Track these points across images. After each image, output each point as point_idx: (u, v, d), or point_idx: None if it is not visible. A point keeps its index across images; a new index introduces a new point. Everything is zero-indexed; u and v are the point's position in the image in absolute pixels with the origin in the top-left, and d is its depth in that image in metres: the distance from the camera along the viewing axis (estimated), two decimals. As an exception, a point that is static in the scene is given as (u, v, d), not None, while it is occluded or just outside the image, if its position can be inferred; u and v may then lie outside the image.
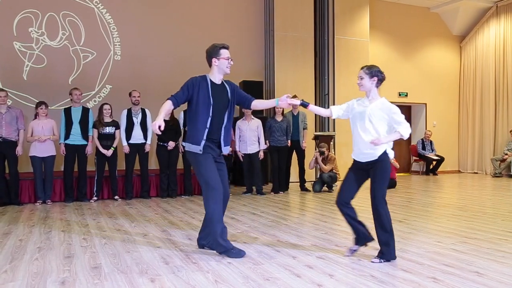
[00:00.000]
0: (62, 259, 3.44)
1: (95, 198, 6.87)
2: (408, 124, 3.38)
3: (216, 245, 3.49)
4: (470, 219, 5.15)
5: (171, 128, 7.12)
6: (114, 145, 6.82)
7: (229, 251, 3.45)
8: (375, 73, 3.43)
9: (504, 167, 10.77)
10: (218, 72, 3.62)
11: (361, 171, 3.48)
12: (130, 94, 7.03)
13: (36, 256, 3.54)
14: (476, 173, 11.88)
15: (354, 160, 3.51)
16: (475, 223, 4.87)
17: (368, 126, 3.36)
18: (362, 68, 3.47)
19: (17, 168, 6.41)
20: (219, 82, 3.66)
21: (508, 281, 2.85)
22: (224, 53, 3.59)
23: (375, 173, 3.37)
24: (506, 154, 10.75)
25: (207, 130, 3.53)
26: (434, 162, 11.37)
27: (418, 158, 11.71)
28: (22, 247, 3.84)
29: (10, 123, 6.34)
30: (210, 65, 3.67)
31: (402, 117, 3.38)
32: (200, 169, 3.54)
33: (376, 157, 3.34)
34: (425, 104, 12.06)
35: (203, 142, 3.52)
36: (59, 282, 2.87)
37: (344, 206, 3.51)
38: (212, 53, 3.61)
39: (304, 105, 3.59)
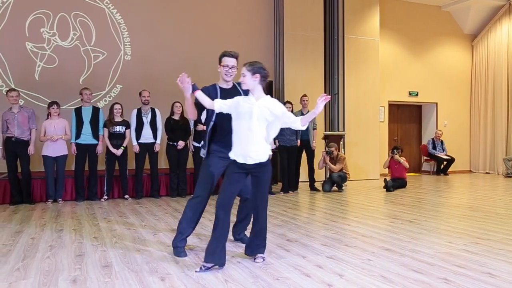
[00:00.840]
0: (74, 258, 3.48)
1: (106, 197, 6.93)
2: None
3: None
4: (482, 219, 5.11)
5: (181, 127, 7.16)
6: (124, 145, 6.87)
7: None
8: (257, 70, 3.22)
9: None
10: (221, 78, 3.62)
11: (242, 174, 3.27)
12: (140, 94, 7.08)
13: (48, 254, 3.60)
14: (488, 173, 11.76)
15: (235, 161, 3.24)
16: (487, 224, 4.84)
17: (256, 125, 3.16)
18: (244, 65, 3.27)
19: (29, 167, 6.49)
20: (229, 87, 3.65)
21: (522, 283, 2.82)
22: (224, 60, 3.58)
23: (262, 178, 3.24)
24: None
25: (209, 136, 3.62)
26: (445, 162, 11.27)
27: (428, 158, 11.61)
28: (34, 245, 3.90)
29: (23, 122, 6.41)
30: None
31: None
32: None
33: (265, 160, 3.20)
34: (436, 103, 11.95)
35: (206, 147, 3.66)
36: (71, 280, 2.91)
37: (228, 210, 3.26)
38: (219, 59, 3.63)
39: (194, 88, 3.36)
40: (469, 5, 11.44)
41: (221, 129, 3.50)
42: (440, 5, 11.78)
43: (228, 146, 3.30)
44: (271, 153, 3.29)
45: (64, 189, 6.80)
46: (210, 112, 3.50)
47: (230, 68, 3.56)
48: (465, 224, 4.86)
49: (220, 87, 3.62)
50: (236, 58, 3.62)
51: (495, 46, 11.68)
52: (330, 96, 3.33)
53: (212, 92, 3.54)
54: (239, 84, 3.66)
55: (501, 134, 11.49)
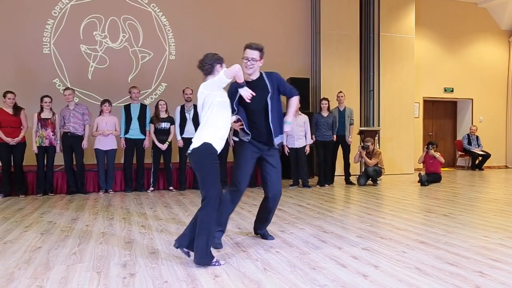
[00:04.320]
0: (123, 244, 3.69)
1: (152, 188, 7.25)
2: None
3: None
4: (518, 214, 5.03)
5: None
6: (169, 140, 7.16)
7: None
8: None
9: None
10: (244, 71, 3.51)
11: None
12: (183, 91, 7.36)
13: (101, 240, 3.83)
14: None
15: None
16: (523, 219, 4.77)
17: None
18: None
19: (83, 160, 6.92)
20: (255, 78, 3.60)
21: (559, 277, 2.79)
22: (244, 52, 3.55)
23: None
24: None
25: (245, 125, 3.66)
26: (480, 158, 11.15)
27: (463, 153, 11.54)
28: (88, 232, 4.17)
29: (77, 119, 6.84)
30: None
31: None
32: None
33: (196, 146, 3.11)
34: (471, 99, 11.83)
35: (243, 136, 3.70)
36: (121, 265, 3.09)
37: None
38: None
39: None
40: (507, 1, 11.25)
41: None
42: (476, 2, 11.62)
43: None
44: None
45: (114, 181, 7.17)
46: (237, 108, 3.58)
47: (249, 60, 3.49)
48: (501, 218, 4.79)
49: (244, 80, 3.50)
50: (259, 50, 3.51)
51: None
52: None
53: (234, 89, 3.52)
54: (269, 74, 3.64)
55: None
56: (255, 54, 3.51)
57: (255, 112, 3.57)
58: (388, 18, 9.97)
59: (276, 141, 3.62)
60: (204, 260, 3.04)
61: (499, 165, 11.95)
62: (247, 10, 9.37)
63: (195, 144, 3.10)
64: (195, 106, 7.40)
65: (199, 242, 3.01)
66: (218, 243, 3.52)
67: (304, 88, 8.88)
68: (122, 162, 7.31)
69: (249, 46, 3.53)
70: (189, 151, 3.14)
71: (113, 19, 8.59)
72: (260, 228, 3.93)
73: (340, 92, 7.99)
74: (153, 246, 3.61)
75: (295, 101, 3.76)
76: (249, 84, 3.47)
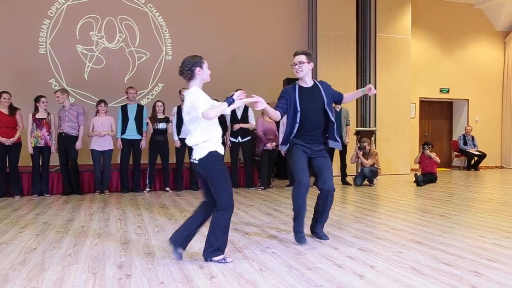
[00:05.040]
0: (119, 245, 3.68)
1: (148, 189, 7.25)
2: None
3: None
4: (513, 214, 5.06)
5: (219, 123, 7.37)
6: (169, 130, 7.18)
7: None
8: None
9: None
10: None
11: None
12: (180, 92, 7.35)
13: (96, 241, 3.82)
14: None
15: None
16: (518, 219, 4.80)
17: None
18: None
19: (76, 160, 6.89)
20: (308, 85, 3.84)
21: (554, 277, 2.81)
22: (293, 59, 3.80)
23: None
24: None
25: (294, 131, 3.85)
26: (476, 158, 11.23)
27: (459, 154, 11.62)
28: (84, 233, 4.16)
29: (72, 119, 6.82)
30: None
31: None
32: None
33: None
34: (467, 100, 11.92)
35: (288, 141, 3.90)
36: (117, 266, 3.08)
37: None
38: None
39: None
40: (503, 2, 11.33)
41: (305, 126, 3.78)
42: (472, 3, 11.70)
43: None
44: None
45: (110, 181, 7.17)
46: (293, 112, 3.77)
47: (297, 64, 3.75)
48: (497, 218, 4.82)
49: (299, 86, 3.84)
50: (305, 54, 3.78)
51: None
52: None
53: (290, 90, 3.81)
54: (321, 82, 3.91)
55: None
56: (302, 57, 3.76)
57: (311, 117, 3.76)
58: (385, 19, 10.02)
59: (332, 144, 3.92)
60: (212, 255, 3.16)
61: (494, 165, 12.04)
62: (244, 11, 9.38)
63: (200, 153, 3.12)
64: (191, 107, 7.40)
65: (212, 239, 3.15)
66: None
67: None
68: (118, 162, 7.29)
69: (295, 53, 3.81)
70: (194, 161, 3.16)
71: (109, 19, 8.58)
72: (315, 227, 3.99)
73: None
74: (149, 247, 3.61)
75: (349, 95, 4.11)
76: (304, 90, 3.81)
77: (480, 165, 11.25)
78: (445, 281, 2.73)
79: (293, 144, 3.82)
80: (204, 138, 3.12)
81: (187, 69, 3.17)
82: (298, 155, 3.78)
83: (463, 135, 11.42)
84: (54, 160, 6.97)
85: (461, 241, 3.75)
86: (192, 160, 3.21)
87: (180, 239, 3.22)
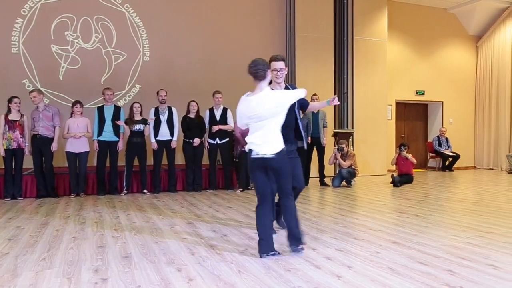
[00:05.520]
0: (95, 249, 3.61)
1: (125, 191, 7.16)
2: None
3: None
4: (486, 214, 5.19)
5: (196, 125, 7.36)
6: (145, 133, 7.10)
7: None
8: None
9: None
10: (274, 81, 3.86)
11: None
12: (157, 93, 7.31)
13: (71, 245, 3.74)
14: (492, 169, 11.99)
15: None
16: (490, 218, 4.92)
17: None
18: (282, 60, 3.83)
19: (52, 163, 6.75)
20: (282, 88, 3.89)
21: (525, 275, 2.90)
22: (272, 65, 3.80)
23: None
24: None
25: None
26: (450, 159, 11.49)
27: (434, 155, 11.87)
28: (58, 237, 4.07)
29: (47, 120, 6.68)
30: None
31: None
32: None
33: None
34: (442, 102, 12.19)
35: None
36: (93, 270, 3.02)
37: None
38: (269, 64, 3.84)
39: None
40: (474, 7, 11.64)
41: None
42: (446, 7, 11.98)
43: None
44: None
45: (86, 184, 7.05)
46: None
47: (278, 71, 3.79)
48: (470, 218, 4.95)
49: (273, 89, 3.84)
50: (283, 60, 3.84)
51: (499, 47, 11.90)
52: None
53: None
54: (291, 86, 4.02)
55: (504, 131, 11.74)
56: (280, 64, 3.81)
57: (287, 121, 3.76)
58: (362, 22, 10.16)
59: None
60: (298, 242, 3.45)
61: (468, 165, 12.34)
62: (222, 12, 9.36)
63: (273, 149, 3.33)
64: (169, 108, 7.35)
65: (296, 228, 3.44)
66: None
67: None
68: (95, 164, 7.18)
69: (274, 59, 3.82)
70: (269, 156, 3.32)
71: (85, 19, 8.42)
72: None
73: (315, 94, 8.07)
74: (126, 250, 3.56)
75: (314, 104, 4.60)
76: None
77: (454, 165, 11.52)
78: (420, 280, 2.78)
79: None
80: (279, 134, 3.37)
81: (263, 70, 3.37)
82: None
83: (438, 136, 11.68)
84: (28, 162, 6.80)
85: (436, 241, 3.83)
86: (262, 155, 3.33)
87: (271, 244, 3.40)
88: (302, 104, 4.12)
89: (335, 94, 10.08)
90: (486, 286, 2.67)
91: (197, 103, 7.44)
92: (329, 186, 8.08)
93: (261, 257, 3.32)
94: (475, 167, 12.48)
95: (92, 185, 7.20)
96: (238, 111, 3.51)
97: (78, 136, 6.80)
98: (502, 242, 3.77)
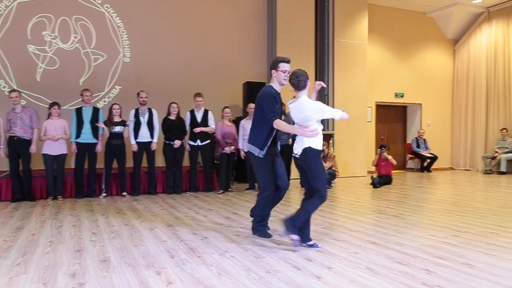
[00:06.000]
0: (73, 253, 3.55)
1: (104, 194, 7.05)
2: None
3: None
4: (462, 213, 5.33)
5: (177, 127, 7.31)
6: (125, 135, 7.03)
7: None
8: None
9: (494, 164, 11.21)
10: (277, 82, 3.96)
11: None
12: (138, 95, 7.23)
13: (48, 249, 3.67)
14: (468, 170, 12.25)
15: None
16: (467, 218, 5.06)
17: None
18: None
19: (29, 165, 6.61)
20: (279, 91, 4.02)
21: (498, 273, 3.00)
22: (282, 66, 3.89)
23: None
24: (496, 152, 11.15)
25: (271, 137, 3.95)
26: (428, 160, 11.69)
27: (413, 156, 12.06)
28: (34, 241, 3.99)
29: (25, 122, 6.54)
30: (271, 75, 4.02)
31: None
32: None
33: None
34: (420, 104, 12.40)
35: (266, 148, 3.95)
36: (70, 275, 2.97)
37: None
38: (273, 65, 3.97)
39: None
40: (451, 11, 11.90)
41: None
42: (425, 11, 12.19)
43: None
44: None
45: (64, 187, 6.92)
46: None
47: (288, 72, 3.88)
48: (447, 218, 5.08)
49: (276, 91, 3.96)
50: (290, 62, 3.96)
51: (475, 51, 12.19)
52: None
53: (276, 95, 3.92)
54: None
55: (480, 133, 12.01)
56: (289, 66, 3.93)
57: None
58: (342, 25, 10.26)
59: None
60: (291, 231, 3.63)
61: (445, 167, 12.58)
62: (202, 13, 9.33)
63: (299, 149, 3.71)
64: (149, 110, 7.28)
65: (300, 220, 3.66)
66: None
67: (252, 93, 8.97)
68: (73, 167, 7.05)
69: (285, 60, 3.93)
70: (297, 155, 3.71)
71: (64, 19, 8.28)
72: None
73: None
74: (104, 254, 3.51)
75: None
76: (278, 95, 3.97)
77: (432, 167, 11.72)
78: (398, 280, 2.83)
79: (266, 153, 3.96)
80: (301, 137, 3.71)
81: (304, 81, 3.74)
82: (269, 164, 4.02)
83: (416, 138, 11.87)
84: (2, 165, 6.63)
85: (413, 241, 3.91)
86: (294, 154, 3.75)
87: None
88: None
89: (316, 96, 10.12)
90: (462, 285, 2.73)
91: (178, 105, 7.40)
92: (310, 187, 8.12)
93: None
94: (452, 168, 12.73)
95: (70, 188, 7.07)
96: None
97: (55, 139, 6.67)
98: (477, 241, 3.88)
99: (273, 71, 3.94)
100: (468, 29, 12.35)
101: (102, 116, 7.06)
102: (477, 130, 12.06)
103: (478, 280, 2.83)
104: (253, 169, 4.16)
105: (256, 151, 3.96)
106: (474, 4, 11.62)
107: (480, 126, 11.98)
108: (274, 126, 3.83)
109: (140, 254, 3.49)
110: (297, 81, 3.70)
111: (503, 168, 10.80)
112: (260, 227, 4.18)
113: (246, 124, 7.58)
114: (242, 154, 7.58)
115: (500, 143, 11.18)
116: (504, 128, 11.23)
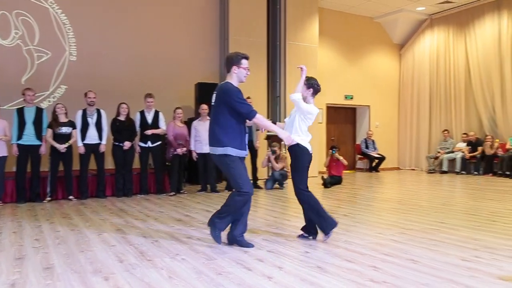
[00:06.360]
0: (13, 261, 3.37)
1: (49, 198, 6.75)
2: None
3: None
4: (408, 211, 5.57)
5: (127, 128, 7.12)
6: (71, 142, 6.74)
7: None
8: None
9: (437, 164, 11.78)
10: (237, 79, 3.73)
11: None
12: (85, 95, 6.98)
13: None
14: (414, 169, 12.81)
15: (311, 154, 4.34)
16: (411, 215, 5.26)
17: None
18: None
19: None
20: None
21: (439, 267, 3.14)
22: (244, 63, 3.70)
23: None
24: (439, 152, 11.72)
25: (247, 135, 3.79)
26: (377, 160, 12.13)
27: (362, 156, 12.46)
28: (-32, 251, 3.74)
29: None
30: (228, 71, 3.76)
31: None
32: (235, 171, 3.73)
33: None
34: (369, 106, 12.83)
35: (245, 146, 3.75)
36: (9, 284, 2.81)
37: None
38: (234, 61, 3.70)
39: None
40: (397, 17, 12.41)
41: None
42: (372, 16, 12.63)
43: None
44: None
45: (3, 191, 6.54)
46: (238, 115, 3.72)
47: (248, 69, 3.73)
48: (393, 216, 5.27)
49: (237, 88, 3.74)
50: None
51: (419, 55, 12.80)
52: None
53: (241, 92, 3.69)
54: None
55: (424, 134, 12.61)
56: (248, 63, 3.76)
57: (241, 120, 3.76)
58: (294, 27, 10.41)
59: None
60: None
61: (392, 166, 13.07)
62: (153, 11, 9.16)
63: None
64: (98, 111, 7.05)
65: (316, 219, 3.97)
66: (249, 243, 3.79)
67: (212, 93, 8.91)
68: (14, 170, 6.68)
69: (247, 57, 3.73)
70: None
71: (3, 13, 7.82)
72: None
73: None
74: (48, 261, 3.35)
75: None
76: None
77: (380, 167, 12.16)
78: (347, 277, 2.90)
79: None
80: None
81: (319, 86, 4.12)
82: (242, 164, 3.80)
83: (365, 139, 12.29)
84: None
85: (362, 239, 4.02)
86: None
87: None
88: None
89: (268, 97, 10.22)
90: (406, 280, 2.84)
91: (127, 105, 7.21)
92: (262, 188, 8.17)
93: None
94: (398, 168, 13.25)
95: (11, 192, 6.68)
96: None
97: (-5, 141, 6.30)
98: (421, 238, 4.05)
99: (234, 67, 3.67)
100: (413, 35, 12.94)
101: (46, 117, 6.76)
102: (421, 131, 12.64)
103: (421, 274, 2.96)
104: (225, 172, 3.83)
105: (234, 152, 3.64)
106: (418, 11, 12.18)
107: (424, 127, 12.57)
108: (255, 121, 3.66)
109: (87, 260, 3.37)
110: (320, 88, 4.24)
111: (444, 167, 11.37)
112: (218, 222, 3.82)
113: (198, 125, 7.52)
114: (194, 155, 7.51)
115: (442, 144, 11.77)
116: (446, 130, 11.84)
